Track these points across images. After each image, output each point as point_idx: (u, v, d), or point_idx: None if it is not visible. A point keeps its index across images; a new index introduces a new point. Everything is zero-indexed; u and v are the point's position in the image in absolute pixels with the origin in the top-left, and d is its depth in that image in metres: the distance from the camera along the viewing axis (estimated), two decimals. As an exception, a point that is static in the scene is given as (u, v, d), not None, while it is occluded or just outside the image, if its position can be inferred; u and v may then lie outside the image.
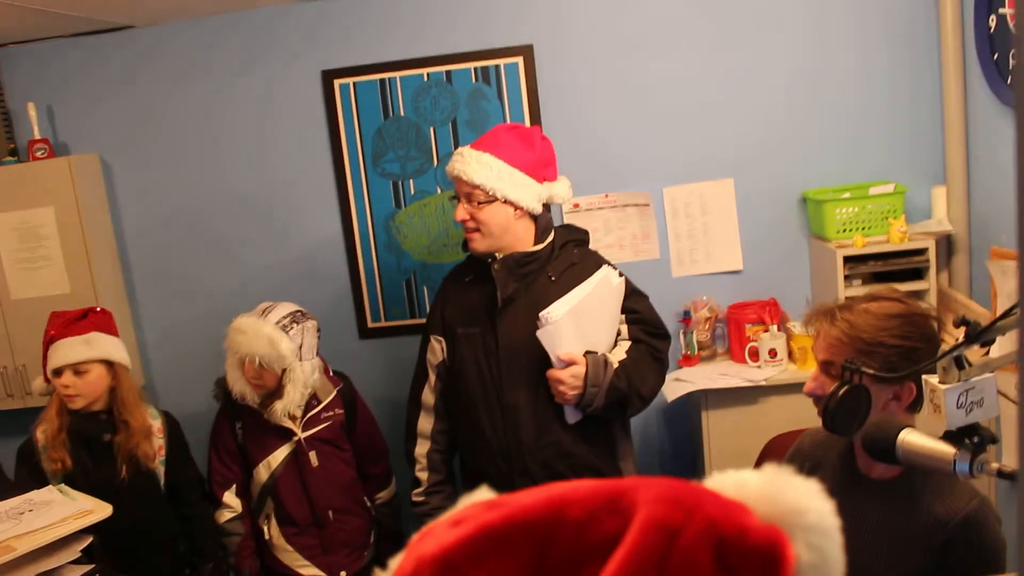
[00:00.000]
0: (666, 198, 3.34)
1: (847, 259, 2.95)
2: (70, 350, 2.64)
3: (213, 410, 2.93)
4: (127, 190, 3.56)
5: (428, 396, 2.68)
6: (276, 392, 2.72)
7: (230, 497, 2.83)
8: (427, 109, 3.34)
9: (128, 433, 2.69)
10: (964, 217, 3.05)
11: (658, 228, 3.36)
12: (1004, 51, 2.71)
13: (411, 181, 3.40)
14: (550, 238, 2.55)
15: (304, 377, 2.73)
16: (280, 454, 2.79)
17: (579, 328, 2.39)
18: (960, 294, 3.02)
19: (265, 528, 2.83)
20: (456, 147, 3.28)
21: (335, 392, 2.88)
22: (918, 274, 2.96)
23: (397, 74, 3.33)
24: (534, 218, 2.53)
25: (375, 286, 3.49)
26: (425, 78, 3.32)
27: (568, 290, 2.42)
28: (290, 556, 2.82)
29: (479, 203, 2.44)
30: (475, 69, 3.29)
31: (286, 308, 2.76)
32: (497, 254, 2.49)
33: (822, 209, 3.07)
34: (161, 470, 2.78)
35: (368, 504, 2.98)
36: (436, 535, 0.59)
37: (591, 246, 2.69)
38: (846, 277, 2.95)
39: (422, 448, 2.69)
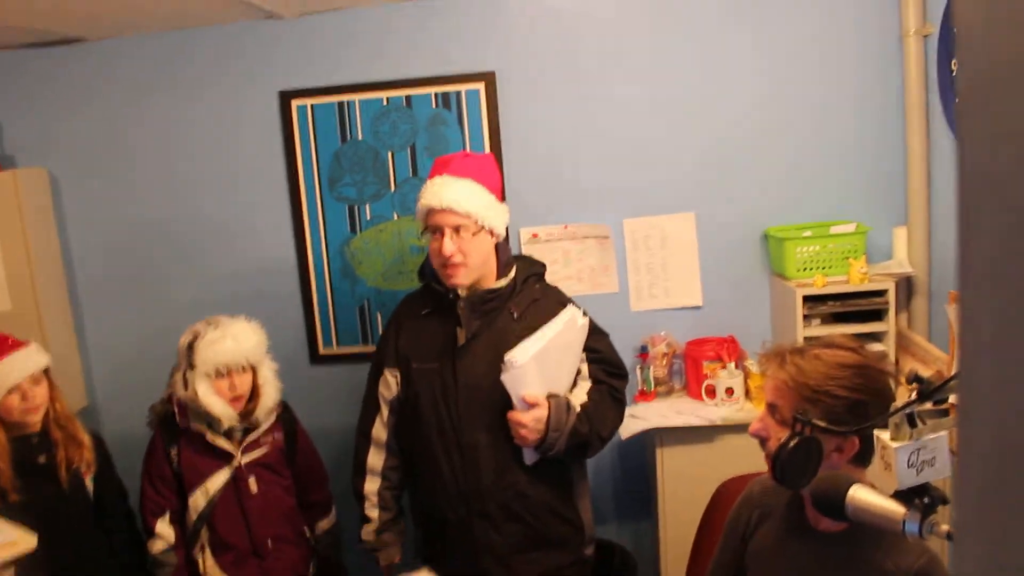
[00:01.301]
0: (626, 230, 3.28)
1: (807, 298, 2.91)
2: (26, 362, 2.54)
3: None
4: (76, 206, 3.46)
5: (380, 431, 2.57)
6: (252, 397, 2.68)
7: (163, 526, 2.68)
8: (386, 134, 3.26)
9: (68, 442, 2.61)
10: (925, 259, 3.03)
11: (617, 261, 3.30)
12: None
13: (367, 206, 3.31)
14: (512, 273, 2.48)
15: (272, 372, 2.74)
16: (218, 479, 2.67)
17: (543, 370, 2.31)
18: (919, 336, 3.00)
19: (200, 560, 2.70)
20: (414, 173, 3.23)
21: (274, 417, 2.78)
22: (878, 315, 2.93)
23: (356, 96, 3.25)
24: (496, 250, 2.46)
25: (328, 312, 3.40)
26: (384, 102, 3.24)
27: (531, 328, 2.35)
28: (226, 588, 2.70)
29: (472, 234, 2.34)
30: (436, 94, 3.22)
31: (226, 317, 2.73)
32: (460, 291, 2.41)
33: (783, 247, 3.03)
34: (91, 486, 2.70)
35: (308, 534, 2.88)
36: None
37: (548, 278, 2.63)
38: (805, 317, 2.91)
39: (372, 485, 2.59)
